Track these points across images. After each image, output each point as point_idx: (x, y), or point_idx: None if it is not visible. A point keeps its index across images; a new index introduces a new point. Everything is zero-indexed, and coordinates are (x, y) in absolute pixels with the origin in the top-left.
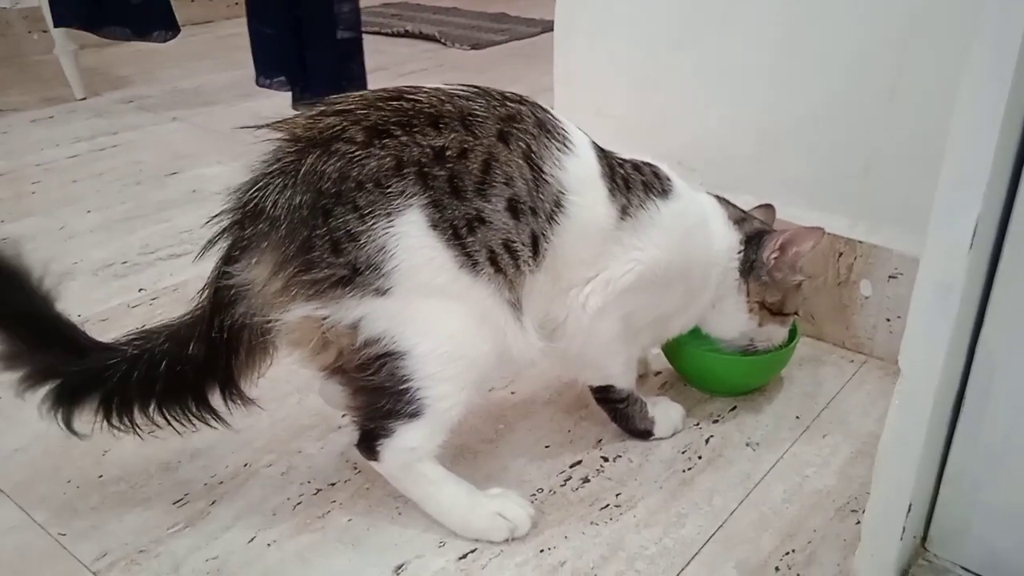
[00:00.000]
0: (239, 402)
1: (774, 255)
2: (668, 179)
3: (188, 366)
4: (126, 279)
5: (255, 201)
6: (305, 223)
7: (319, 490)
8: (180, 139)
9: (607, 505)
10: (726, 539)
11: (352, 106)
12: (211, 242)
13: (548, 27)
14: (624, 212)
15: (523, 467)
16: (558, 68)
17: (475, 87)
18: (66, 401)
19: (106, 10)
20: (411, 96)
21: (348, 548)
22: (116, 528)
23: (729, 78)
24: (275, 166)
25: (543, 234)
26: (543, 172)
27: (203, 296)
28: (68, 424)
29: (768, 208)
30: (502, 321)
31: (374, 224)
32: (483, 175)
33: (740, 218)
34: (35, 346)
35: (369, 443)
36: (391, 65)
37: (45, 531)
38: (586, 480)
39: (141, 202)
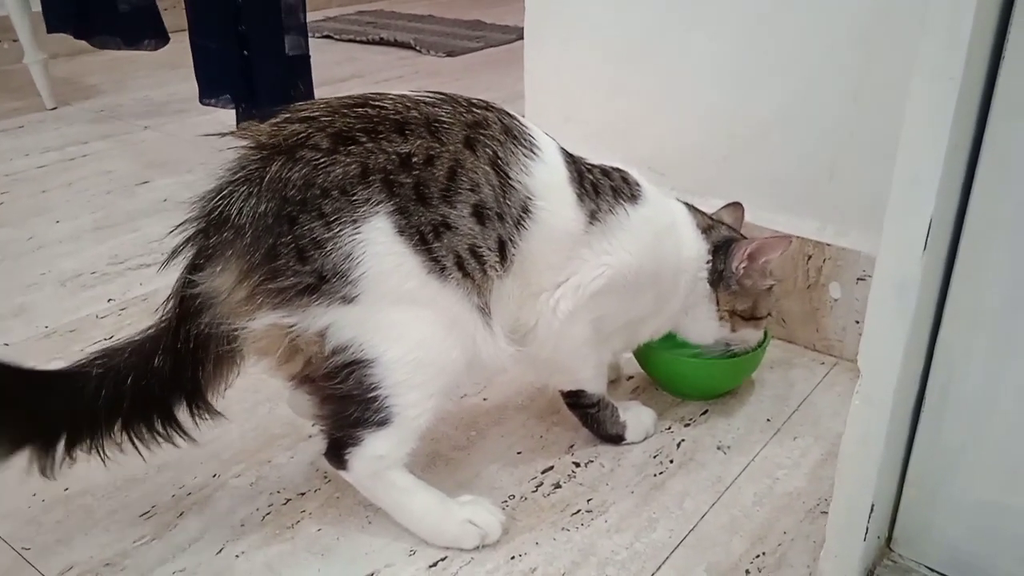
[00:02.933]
0: (206, 416)
1: (743, 265)
2: (637, 184)
3: (154, 380)
4: (95, 289)
5: (220, 209)
6: (270, 231)
7: (288, 500)
8: (151, 148)
9: (579, 511)
10: (697, 543)
11: (317, 113)
12: (176, 251)
13: (523, 34)
14: (593, 217)
15: (495, 473)
16: (528, 75)
17: (441, 94)
18: (43, 452)
19: (95, 19)
20: (376, 103)
21: (318, 558)
22: (82, 542)
23: (696, 83)
24: (240, 174)
25: (510, 239)
26: (510, 178)
27: (168, 307)
28: (44, 472)
29: (736, 206)
30: (471, 327)
31: (340, 231)
32: (449, 182)
33: (708, 226)
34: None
35: (337, 452)
36: (366, 73)
37: (9, 545)
38: (558, 486)
39: (111, 212)
